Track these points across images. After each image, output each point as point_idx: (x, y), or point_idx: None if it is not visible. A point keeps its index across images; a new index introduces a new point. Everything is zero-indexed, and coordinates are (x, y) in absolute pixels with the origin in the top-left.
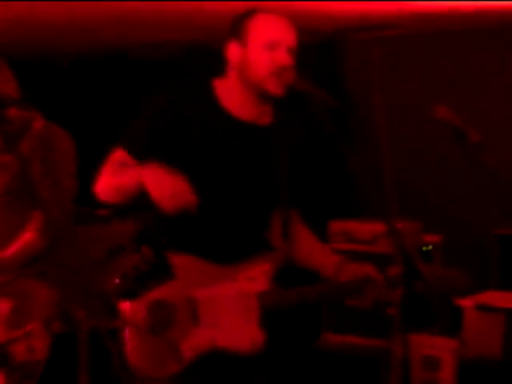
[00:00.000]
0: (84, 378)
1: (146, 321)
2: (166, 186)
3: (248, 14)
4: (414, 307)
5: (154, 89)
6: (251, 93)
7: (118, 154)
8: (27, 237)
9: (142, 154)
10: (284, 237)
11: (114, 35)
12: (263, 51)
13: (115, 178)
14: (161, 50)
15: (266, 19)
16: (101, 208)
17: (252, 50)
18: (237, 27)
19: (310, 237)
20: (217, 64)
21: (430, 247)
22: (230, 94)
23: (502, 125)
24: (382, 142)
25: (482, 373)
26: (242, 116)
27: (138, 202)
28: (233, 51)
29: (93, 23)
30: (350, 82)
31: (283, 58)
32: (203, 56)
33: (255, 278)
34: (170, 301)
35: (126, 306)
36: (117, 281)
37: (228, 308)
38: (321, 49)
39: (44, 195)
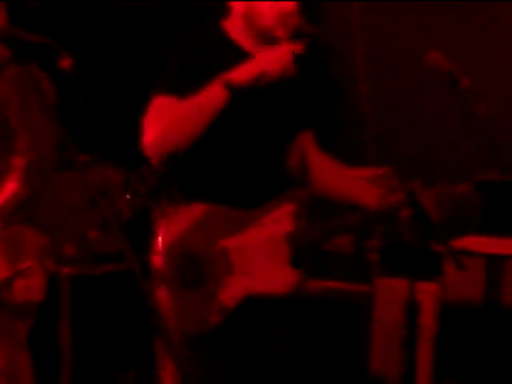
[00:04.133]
0: (65, 323)
1: (179, 277)
2: (270, 57)
3: None
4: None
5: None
6: (259, 37)
7: (161, 101)
8: (11, 187)
9: (184, 89)
10: (303, 171)
11: None
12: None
13: (176, 113)
14: None
15: None
16: (80, 154)
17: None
18: None
19: (337, 165)
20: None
21: None
22: (240, 34)
23: (493, 73)
24: (363, 90)
25: (463, 317)
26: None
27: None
28: (237, 2)
29: None
30: (330, 33)
31: (288, 3)
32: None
33: (280, 219)
34: (201, 253)
35: (156, 260)
36: (127, 196)
37: (259, 253)
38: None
39: (22, 139)
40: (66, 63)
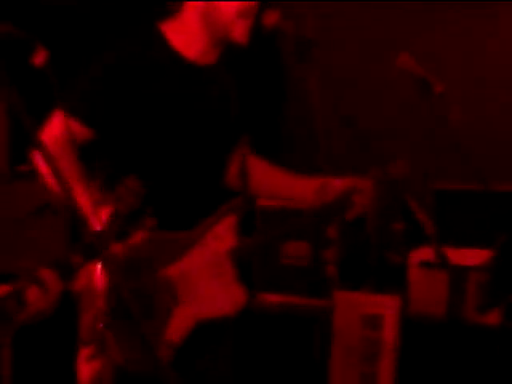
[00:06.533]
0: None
1: (121, 314)
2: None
3: None
4: (351, 264)
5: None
6: (213, 38)
7: (62, 120)
8: None
9: (91, 118)
10: (242, 178)
11: None
12: None
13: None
14: None
15: None
16: (22, 164)
17: None
18: None
19: (272, 167)
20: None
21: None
22: (185, 39)
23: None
24: (315, 97)
25: (426, 331)
26: (195, 57)
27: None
28: None
29: None
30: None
31: None
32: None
33: (221, 235)
34: (143, 287)
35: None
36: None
37: (203, 276)
38: None
39: None
40: (39, 57)
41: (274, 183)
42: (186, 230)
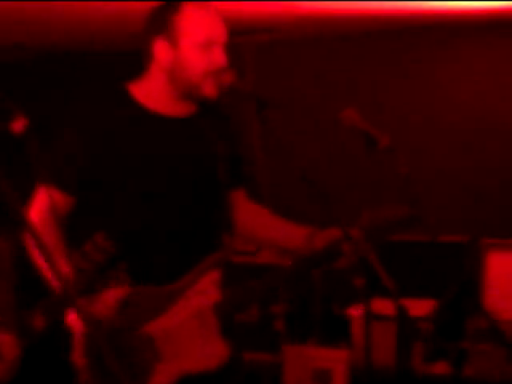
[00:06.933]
0: None
1: (102, 374)
2: None
3: (175, 7)
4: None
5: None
6: (181, 93)
7: (45, 195)
8: None
9: (71, 185)
10: (227, 230)
11: None
12: (199, 51)
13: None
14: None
15: (197, 13)
16: None
17: (186, 51)
18: (163, 22)
19: (266, 212)
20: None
21: None
22: (152, 95)
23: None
24: (257, 149)
25: (375, 383)
26: (167, 112)
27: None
28: (161, 51)
29: None
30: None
31: (220, 58)
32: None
33: (205, 290)
34: (124, 346)
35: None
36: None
37: (186, 331)
38: None
39: None
40: (18, 124)
41: (268, 228)
42: (165, 284)
